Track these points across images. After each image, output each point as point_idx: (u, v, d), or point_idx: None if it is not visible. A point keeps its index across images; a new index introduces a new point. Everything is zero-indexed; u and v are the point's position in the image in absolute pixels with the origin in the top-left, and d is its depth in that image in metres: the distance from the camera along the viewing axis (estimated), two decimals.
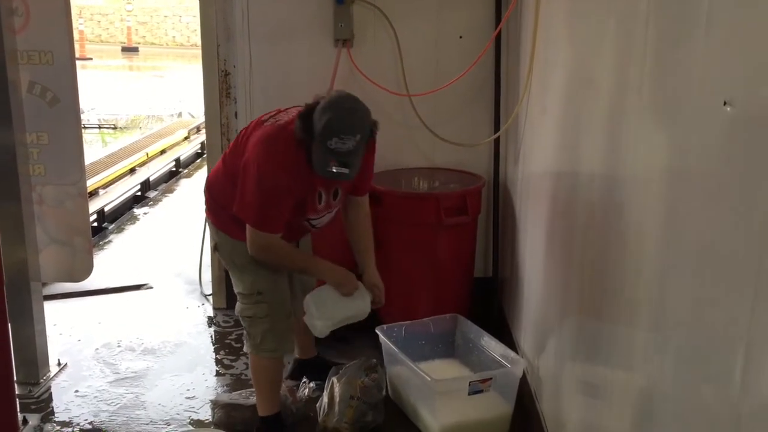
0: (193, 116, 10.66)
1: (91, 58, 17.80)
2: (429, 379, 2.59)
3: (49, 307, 3.36)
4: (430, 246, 3.34)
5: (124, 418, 2.90)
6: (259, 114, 2.67)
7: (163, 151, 7.90)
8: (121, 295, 4.22)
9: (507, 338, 3.14)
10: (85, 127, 8.80)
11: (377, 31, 3.54)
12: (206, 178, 2.72)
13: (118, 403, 3.01)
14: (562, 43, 2.42)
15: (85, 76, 12.32)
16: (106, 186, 6.19)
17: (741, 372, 1.03)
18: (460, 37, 3.55)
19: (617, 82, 1.73)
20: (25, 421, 2.83)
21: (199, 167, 7.77)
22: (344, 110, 2.32)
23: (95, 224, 5.25)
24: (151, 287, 4.33)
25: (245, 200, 2.41)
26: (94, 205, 5.33)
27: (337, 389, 2.74)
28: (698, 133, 1.22)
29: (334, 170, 2.29)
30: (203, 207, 2.73)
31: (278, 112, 2.55)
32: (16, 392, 2.88)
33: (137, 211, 6.10)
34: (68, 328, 3.70)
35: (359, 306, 2.60)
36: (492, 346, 2.89)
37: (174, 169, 7.50)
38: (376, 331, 2.96)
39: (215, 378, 3.25)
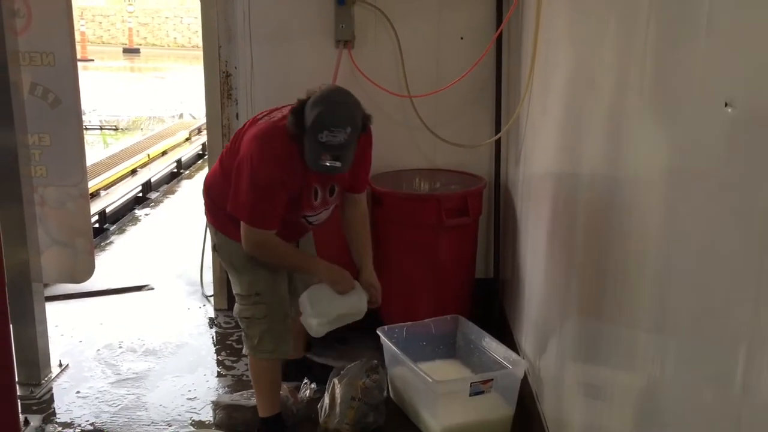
0: (194, 117, 10.66)
1: (92, 60, 17.82)
2: (430, 380, 2.59)
3: (50, 308, 3.36)
4: (431, 247, 3.34)
5: (126, 419, 2.90)
6: None
7: (164, 153, 7.91)
8: (122, 296, 4.22)
9: (508, 339, 3.14)
10: (86, 129, 8.80)
11: (378, 32, 3.55)
12: (204, 180, 2.72)
13: (119, 404, 3.01)
14: (563, 43, 2.42)
15: (87, 77, 12.32)
16: (107, 187, 6.20)
17: (742, 372, 1.03)
18: (461, 38, 3.55)
19: (618, 82, 1.73)
20: (26, 422, 2.83)
21: (201, 168, 7.77)
22: (334, 103, 2.32)
23: (97, 225, 5.25)
24: (153, 288, 4.33)
25: (239, 197, 2.41)
26: (95, 207, 5.33)
27: (338, 390, 2.74)
28: (699, 133, 1.22)
29: (327, 164, 2.29)
30: (203, 209, 2.73)
31: (273, 110, 2.55)
32: (18, 393, 2.88)
33: (138, 212, 6.11)
34: (70, 329, 3.71)
35: (355, 304, 2.56)
36: (493, 347, 2.89)
37: (175, 170, 7.51)
38: (378, 332, 2.96)
39: (216, 379, 3.25)
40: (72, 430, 2.83)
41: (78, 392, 3.10)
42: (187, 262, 4.54)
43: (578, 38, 2.21)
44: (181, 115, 11.28)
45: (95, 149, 8.61)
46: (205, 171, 2.81)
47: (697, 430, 1.22)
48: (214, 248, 2.74)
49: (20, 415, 2.77)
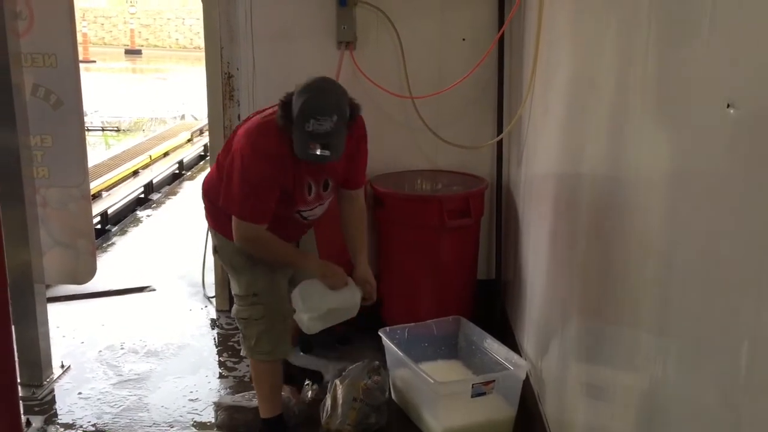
0: (196, 119, 10.68)
1: (94, 61, 17.86)
2: (432, 381, 2.59)
3: (52, 309, 3.36)
4: (433, 248, 3.34)
5: (127, 420, 2.90)
6: None
7: (166, 154, 7.92)
8: (124, 297, 4.22)
9: (510, 340, 3.13)
10: (88, 130, 8.80)
11: (380, 34, 3.55)
12: (202, 183, 2.72)
13: (121, 405, 3.01)
14: (565, 44, 2.42)
15: (89, 78, 12.35)
16: (109, 188, 6.21)
17: (744, 373, 1.03)
18: (463, 39, 3.55)
19: (620, 83, 1.73)
20: (28, 423, 2.83)
21: (202, 169, 7.78)
22: (319, 91, 2.32)
23: (98, 226, 5.26)
24: (154, 289, 4.33)
25: (231, 192, 2.42)
26: (97, 208, 5.34)
27: (340, 391, 2.74)
28: (701, 134, 1.22)
29: (317, 153, 2.28)
30: (203, 212, 2.73)
31: (266, 109, 2.56)
32: (20, 394, 2.88)
33: (140, 213, 6.11)
34: (71, 330, 3.71)
35: (347, 298, 2.53)
36: (495, 348, 2.89)
37: (177, 171, 7.52)
38: (379, 333, 2.96)
39: (218, 380, 3.25)
40: (74, 431, 2.83)
41: (80, 393, 3.10)
42: (188, 263, 4.54)
43: (580, 39, 2.21)
44: (182, 117, 11.30)
45: (97, 150, 8.63)
46: (207, 172, 2.81)
47: (699, 430, 1.22)
48: (215, 250, 2.75)
49: (22, 416, 2.78)
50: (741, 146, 1.06)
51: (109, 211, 5.62)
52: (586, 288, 2.03)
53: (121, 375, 3.27)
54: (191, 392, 3.12)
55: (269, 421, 2.69)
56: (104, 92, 12.96)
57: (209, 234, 2.91)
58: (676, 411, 1.32)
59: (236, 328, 3.66)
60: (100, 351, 3.50)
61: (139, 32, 23.20)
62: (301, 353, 3.36)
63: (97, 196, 5.75)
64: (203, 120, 9.50)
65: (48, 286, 3.58)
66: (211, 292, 4.06)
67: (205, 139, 7.93)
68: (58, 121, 3.14)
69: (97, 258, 3.52)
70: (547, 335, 2.58)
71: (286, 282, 2.66)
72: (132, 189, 6.34)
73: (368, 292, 2.60)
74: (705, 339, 1.19)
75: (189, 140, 8.86)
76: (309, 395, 2.93)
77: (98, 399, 3.06)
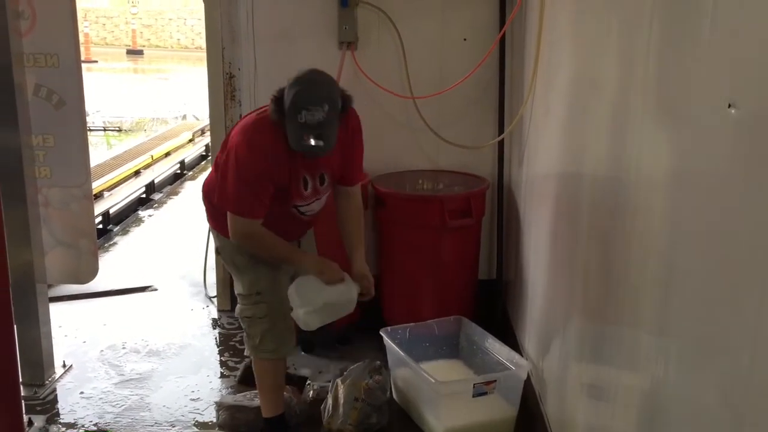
0: (197, 119, 10.68)
1: (96, 61, 17.86)
2: (433, 381, 2.59)
3: (54, 309, 3.37)
4: (435, 248, 3.34)
5: (129, 420, 2.90)
6: None
7: (167, 154, 7.93)
8: (126, 297, 4.23)
9: (511, 340, 3.13)
10: (90, 130, 8.81)
11: (381, 34, 3.55)
12: (202, 186, 2.73)
13: (123, 405, 3.01)
14: (566, 44, 2.42)
15: (91, 78, 12.36)
16: (111, 188, 6.21)
17: (746, 374, 1.03)
18: (464, 39, 3.55)
19: (621, 83, 1.73)
20: (30, 423, 2.84)
21: (204, 169, 7.79)
22: (308, 83, 2.34)
23: (100, 226, 5.26)
24: (156, 289, 4.34)
25: (226, 189, 2.44)
26: (99, 208, 5.35)
27: (341, 391, 2.75)
28: (702, 134, 1.22)
29: (312, 143, 2.30)
30: (205, 215, 2.74)
31: (261, 107, 2.58)
32: (22, 394, 2.89)
33: (142, 213, 6.12)
34: (73, 330, 3.72)
35: (343, 293, 2.51)
36: (496, 348, 2.89)
37: (178, 171, 7.53)
38: (381, 333, 2.96)
39: (220, 380, 3.25)
40: (75, 430, 2.84)
41: (82, 393, 3.11)
42: (190, 263, 4.54)
43: (581, 39, 2.21)
44: (184, 117, 11.30)
45: (99, 150, 8.63)
46: (208, 173, 2.81)
47: (700, 430, 1.22)
48: (217, 251, 2.76)
49: (24, 415, 2.78)
50: (742, 146, 1.07)
51: (111, 211, 5.62)
52: (587, 288, 2.03)
53: (122, 374, 3.27)
54: (193, 392, 3.13)
55: (271, 421, 2.69)
56: (106, 92, 12.97)
57: (211, 235, 2.92)
58: (676, 411, 1.32)
59: (237, 328, 3.68)
60: (102, 350, 3.50)
61: (141, 32, 23.21)
62: (303, 353, 3.36)
63: (98, 196, 5.76)
64: (205, 120, 9.51)
65: (50, 286, 3.58)
66: (213, 291, 4.06)
67: (207, 139, 7.92)
68: (60, 121, 3.15)
69: (99, 258, 3.52)
70: (548, 335, 2.58)
71: (288, 281, 2.65)
72: (134, 189, 6.35)
73: (365, 288, 2.59)
74: (706, 339, 1.19)
75: (190, 140, 8.86)
76: (310, 395, 2.93)
77: (100, 398, 3.07)
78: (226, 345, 3.58)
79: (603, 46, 1.91)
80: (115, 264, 4.80)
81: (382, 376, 2.81)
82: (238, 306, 2.65)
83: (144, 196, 6.45)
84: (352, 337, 3.49)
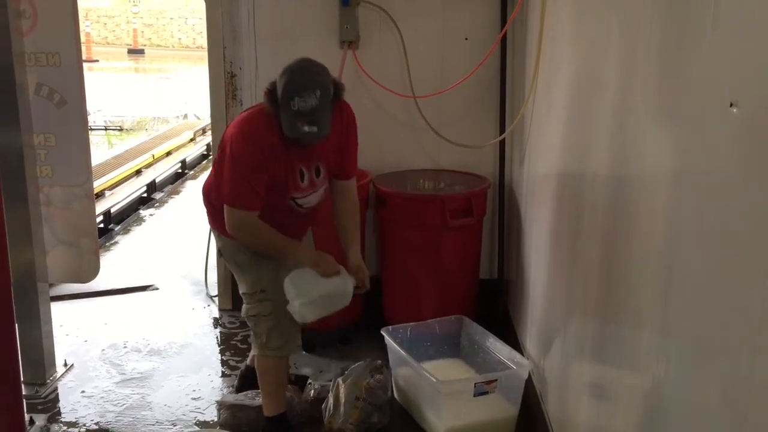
0: (198, 118, 10.68)
1: (97, 60, 17.86)
2: (434, 380, 2.59)
3: (55, 308, 3.37)
4: (436, 248, 3.34)
5: (130, 419, 2.90)
6: None
7: (169, 153, 7.93)
8: (127, 296, 4.23)
9: (512, 340, 3.13)
10: (91, 129, 8.82)
11: (383, 33, 3.55)
12: (202, 188, 2.73)
13: (124, 404, 3.02)
14: (567, 43, 2.42)
15: (92, 78, 12.34)
16: (112, 187, 6.21)
17: (747, 373, 1.03)
18: (466, 38, 3.55)
19: (623, 82, 1.73)
20: (31, 422, 2.84)
21: (205, 169, 7.78)
22: (300, 70, 2.39)
23: (102, 225, 5.26)
24: (157, 288, 4.34)
25: (222, 182, 2.47)
26: (100, 207, 5.35)
27: (342, 390, 2.75)
28: (704, 133, 1.22)
29: (306, 129, 2.32)
30: (206, 217, 2.74)
31: (255, 105, 2.62)
32: (23, 393, 2.89)
33: (143, 212, 6.12)
34: (75, 329, 3.72)
35: (338, 285, 2.51)
36: (497, 347, 2.89)
37: (180, 170, 7.53)
38: (382, 332, 2.96)
39: (221, 379, 3.26)
40: (77, 429, 2.84)
41: (83, 392, 3.11)
42: (191, 262, 4.55)
43: (583, 38, 2.21)
44: (185, 116, 11.30)
45: (100, 150, 8.64)
46: (209, 172, 2.81)
47: (702, 430, 1.22)
48: (219, 253, 2.77)
49: (25, 414, 2.79)
50: (744, 145, 1.06)
51: (112, 210, 5.62)
52: (589, 287, 2.03)
53: (124, 373, 3.27)
54: (194, 391, 3.13)
55: (273, 419, 2.69)
56: (107, 91, 12.97)
57: (212, 236, 2.92)
58: (677, 410, 1.32)
59: (239, 327, 3.69)
60: (103, 350, 3.50)
61: (142, 32, 23.20)
62: (304, 352, 3.36)
63: (100, 195, 5.76)
64: (206, 119, 9.50)
65: (51, 285, 3.59)
66: (214, 291, 4.07)
67: (208, 138, 7.93)
68: (61, 120, 3.15)
69: (100, 257, 3.52)
70: (549, 334, 2.58)
71: None
72: (135, 188, 6.35)
73: (361, 280, 2.60)
74: (707, 339, 1.19)
75: (192, 139, 8.86)
76: (311, 394, 2.93)
77: (101, 397, 3.07)
78: (228, 344, 3.58)
79: (604, 45, 1.91)
80: (117, 263, 4.80)
81: (383, 375, 2.81)
82: (244, 306, 2.66)
83: (145, 195, 6.45)
84: (353, 336, 3.49)
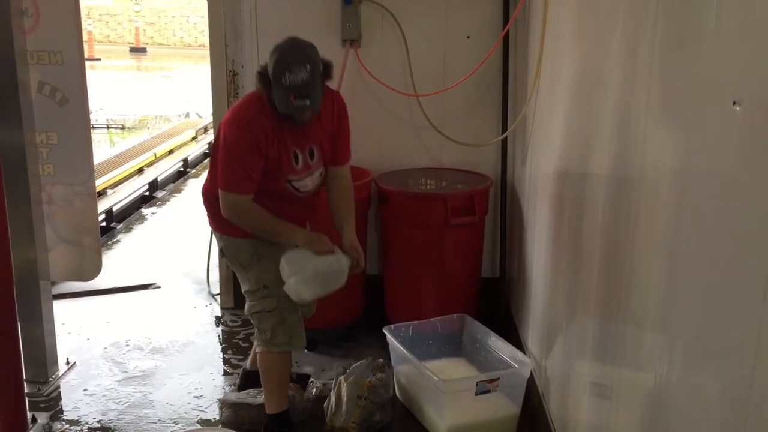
0: (200, 116, 10.69)
1: (99, 59, 17.87)
2: (436, 379, 2.59)
3: (58, 306, 3.37)
4: (438, 246, 3.34)
5: (133, 417, 2.91)
6: None
7: (170, 152, 7.93)
8: (129, 294, 4.23)
9: (514, 338, 3.13)
10: (93, 127, 8.83)
11: (385, 32, 3.55)
12: (201, 190, 2.74)
13: (126, 402, 3.02)
14: (570, 42, 2.41)
15: (94, 76, 12.37)
16: (114, 186, 6.21)
17: (750, 373, 1.03)
18: (468, 36, 3.55)
19: (626, 81, 1.73)
20: (34, 420, 2.84)
21: (207, 167, 7.77)
22: (287, 47, 2.44)
23: (104, 224, 5.27)
24: (159, 287, 4.34)
25: (217, 169, 2.51)
26: (102, 205, 5.35)
27: (344, 389, 2.75)
28: (707, 132, 1.21)
29: (298, 103, 2.36)
30: (206, 219, 2.75)
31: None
32: (25, 391, 2.90)
33: (145, 210, 6.13)
34: (77, 327, 3.72)
35: (332, 263, 2.52)
36: (499, 346, 2.89)
37: (182, 169, 7.53)
38: (384, 330, 2.97)
39: (223, 377, 3.26)
40: (79, 427, 2.84)
41: (85, 390, 3.12)
42: (193, 260, 4.55)
43: (585, 37, 2.21)
44: (187, 114, 11.30)
45: (102, 148, 8.65)
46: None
47: (704, 430, 1.22)
48: (221, 253, 2.78)
49: (28, 412, 2.79)
50: (747, 144, 1.06)
51: (114, 209, 5.62)
52: (591, 286, 2.02)
53: (126, 372, 3.28)
54: (196, 389, 3.13)
55: (275, 417, 2.69)
56: (109, 90, 12.99)
57: (214, 237, 2.93)
58: (680, 409, 1.32)
59: (241, 326, 3.69)
60: (106, 348, 3.51)
61: (144, 30, 23.22)
62: (306, 351, 3.36)
63: (102, 193, 5.76)
64: (208, 118, 9.52)
65: (53, 283, 3.59)
66: (216, 289, 4.07)
67: (210, 136, 7.94)
68: (63, 118, 3.15)
69: (103, 255, 3.53)
70: (551, 333, 2.58)
71: None
72: (137, 186, 6.35)
73: (356, 259, 2.62)
74: (709, 338, 1.19)
75: (194, 138, 8.86)
76: (313, 392, 2.93)
77: (103, 396, 3.07)
78: (230, 342, 3.58)
79: (607, 44, 1.91)
80: (119, 261, 4.80)
81: (385, 373, 2.81)
82: (247, 304, 2.66)
83: (147, 193, 6.45)
84: (355, 334, 3.49)
